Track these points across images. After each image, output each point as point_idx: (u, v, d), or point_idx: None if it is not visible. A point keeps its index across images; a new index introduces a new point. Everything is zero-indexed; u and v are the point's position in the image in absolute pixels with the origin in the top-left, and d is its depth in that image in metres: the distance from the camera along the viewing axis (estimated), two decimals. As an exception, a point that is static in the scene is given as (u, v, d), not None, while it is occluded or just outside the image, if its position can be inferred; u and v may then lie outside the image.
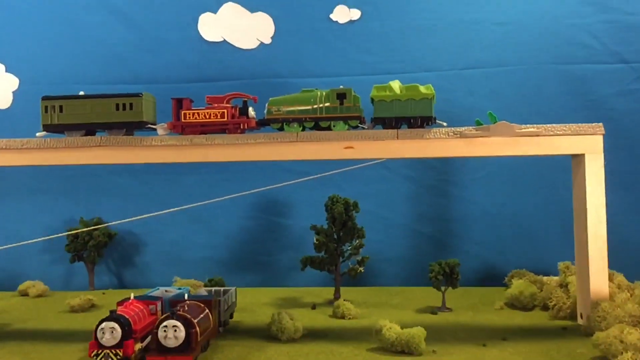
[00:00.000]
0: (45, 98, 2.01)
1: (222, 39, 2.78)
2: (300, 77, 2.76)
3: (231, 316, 2.11)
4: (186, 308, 1.67)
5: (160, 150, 2.00)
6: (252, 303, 2.40)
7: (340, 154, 1.99)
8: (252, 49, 2.78)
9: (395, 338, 1.69)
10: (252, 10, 2.78)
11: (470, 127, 1.97)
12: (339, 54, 2.77)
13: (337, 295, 2.42)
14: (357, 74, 2.76)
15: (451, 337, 1.89)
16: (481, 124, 1.96)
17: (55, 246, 2.78)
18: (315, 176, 2.25)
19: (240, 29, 2.77)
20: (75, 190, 2.89)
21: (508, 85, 2.70)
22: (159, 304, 1.81)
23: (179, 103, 2.02)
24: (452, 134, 1.96)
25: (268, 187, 2.34)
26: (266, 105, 2.02)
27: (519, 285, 2.33)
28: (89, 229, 2.71)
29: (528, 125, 1.95)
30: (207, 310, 1.74)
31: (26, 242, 2.36)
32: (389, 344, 1.70)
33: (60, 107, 1.99)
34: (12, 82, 2.87)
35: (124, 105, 1.98)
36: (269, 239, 2.82)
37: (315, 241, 2.37)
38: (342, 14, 2.74)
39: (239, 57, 2.78)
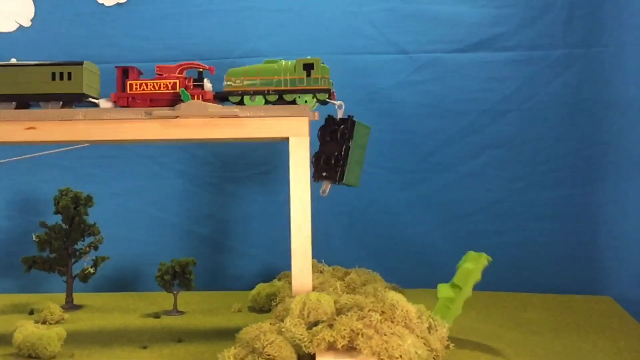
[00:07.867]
0: None
1: (-26, 21, 2.54)
2: (65, 64, 2.54)
3: None
4: None
5: None
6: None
7: (22, 135, 1.78)
8: (9, 32, 2.55)
9: (21, 340, 1.47)
10: (10, -11, 2.55)
11: (165, 108, 1.79)
12: (107, 40, 2.55)
13: (68, 300, 2.18)
14: (129, 62, 2.51)
15: (116, 340, 1.68)
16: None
17: None
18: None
19: (-4, 10, 2.53)
20: None
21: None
22: None
23: (125, 72, 1.82)
24: (144, 114, 1.77)
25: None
26: (224, 77, 1.83)
27: (259, 286, 2.16)
28: None
29: (227, 107, 1.78)
30: None
31: None
32: (17, 348, 1.48)
33: None
34: None
35: (61, 74, 1.76)
36: (28, 240, 2.56)
37: (34, 238, 2.14)
38: (108, -3, 2.54)
39: (-5, 41, 2.55)
